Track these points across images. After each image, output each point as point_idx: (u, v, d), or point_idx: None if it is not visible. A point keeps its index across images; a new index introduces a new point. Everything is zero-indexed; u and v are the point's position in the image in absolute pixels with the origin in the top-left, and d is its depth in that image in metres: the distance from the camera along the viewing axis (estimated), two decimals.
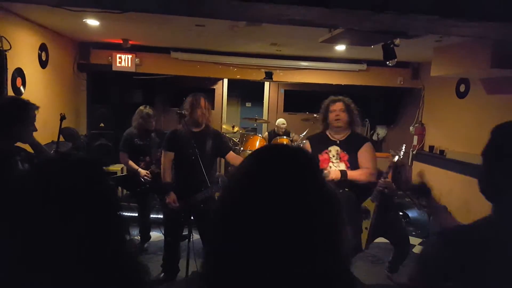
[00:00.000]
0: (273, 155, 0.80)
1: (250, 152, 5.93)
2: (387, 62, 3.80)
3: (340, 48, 5.39)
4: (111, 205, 0.87)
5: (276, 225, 0.69)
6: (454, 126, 5.68)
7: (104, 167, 0.93)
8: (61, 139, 4.57)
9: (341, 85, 6.88)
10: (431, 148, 6.12)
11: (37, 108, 2.69)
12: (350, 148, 3.22)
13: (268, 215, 0.70)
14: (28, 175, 0.88)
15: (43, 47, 5.01)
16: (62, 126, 3.78)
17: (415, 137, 6.45)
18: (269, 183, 0.73)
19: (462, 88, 5.59)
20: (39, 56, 4.93)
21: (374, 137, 7.36)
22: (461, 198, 5.32)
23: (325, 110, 3.36)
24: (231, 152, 3.58)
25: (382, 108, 7.35)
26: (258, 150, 0.84)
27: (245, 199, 0.73)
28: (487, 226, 1.19)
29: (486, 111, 5.03)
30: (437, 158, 5.88)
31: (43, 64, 5.03)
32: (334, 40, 3.63)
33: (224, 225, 0.75)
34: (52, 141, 4.39)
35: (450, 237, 1.25)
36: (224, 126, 6.99)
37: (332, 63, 6.57)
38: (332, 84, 6.90)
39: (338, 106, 3.27)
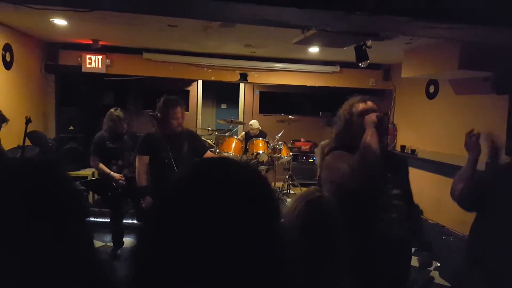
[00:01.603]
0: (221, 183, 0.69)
1: (226, 154, 5.83)
2: (360, 64, 3.85)
3: (314, 50, 5.44)
4: (75, 210, 0.81)
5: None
6: (425, 126, 5.83)
7: (64, 170, 0.86)
8: (28, 143, 4.39)
9: (315, 86, 6.96)
10: (403, 147, 6.26)
11: (6, 120, 2.58)
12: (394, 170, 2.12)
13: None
14: None
15: (7, 48, 4.81)
16: (29, 130, 3.64)
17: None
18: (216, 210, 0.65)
19: (431, 89, 5.74)
20: (3, 57, 4.73)
21: None
22: (433, 196, 5.45)
23: (349, 112, 2.12)
24: (208, 152, 3.54)
25: None
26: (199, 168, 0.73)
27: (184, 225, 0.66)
28: None
29: (455, 111, 5.18)
30: (408, 157, 6.01)
31: (7, 65, 4.83)
32: (308, 42, 3.65)
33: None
34: (18, 146, 4.22)
35: None
36: (199, 129, 6.91)
37: (306, 65, 6.63)
38: (306, 86, 6.96)
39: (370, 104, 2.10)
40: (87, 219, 0.86)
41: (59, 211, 0.77)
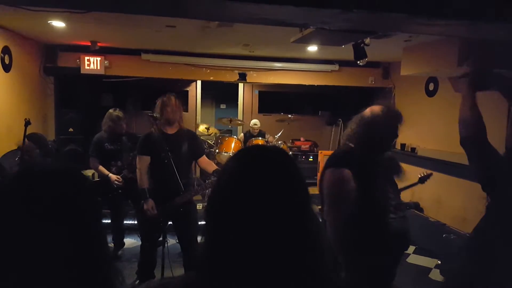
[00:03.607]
0: (257, 156, 0.85)
1: (225, 154, 5.85)
2: (358, 62, 3.84)
3: (312, 48, 5.43)
4: (93, 213, 0.83)
5: (264, 224, 0.75)
6: (425, 124, 5.81)
7: (81, 173, 0.90)
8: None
9: (314, 85, 6.95)
10: (403, 145, 6.25)
11: None
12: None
13: (257, 216, 0.75)
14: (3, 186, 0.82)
15: (6, 50, 4.81)
16: (28, 132, 3.64)
17: None
18: (255, 185, 0.78)
19: (431, 86, 5.73)
20: (2, 60, 4.73)
21: None
22: (433, 194, 5.45)
23: None
24: (204, 156, 3.52)
25: (354, 107, 7.44)
26: (242, 152, 0.89)
27: (234, 201, 0.77)
28: None
29: (455, 108, 5.09)
30: (408, 155, 6.01)
31: (6, 67, 4.83)
32: (305, 40, 3.63)
33: (215, 225, 0.80)
34: (18, 147, 4.22)
35: None
36: (200, 129, 6.90)
37: (305, 64, 6.62)
38: (305, 85, 6.96)
39: None
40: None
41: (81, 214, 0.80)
